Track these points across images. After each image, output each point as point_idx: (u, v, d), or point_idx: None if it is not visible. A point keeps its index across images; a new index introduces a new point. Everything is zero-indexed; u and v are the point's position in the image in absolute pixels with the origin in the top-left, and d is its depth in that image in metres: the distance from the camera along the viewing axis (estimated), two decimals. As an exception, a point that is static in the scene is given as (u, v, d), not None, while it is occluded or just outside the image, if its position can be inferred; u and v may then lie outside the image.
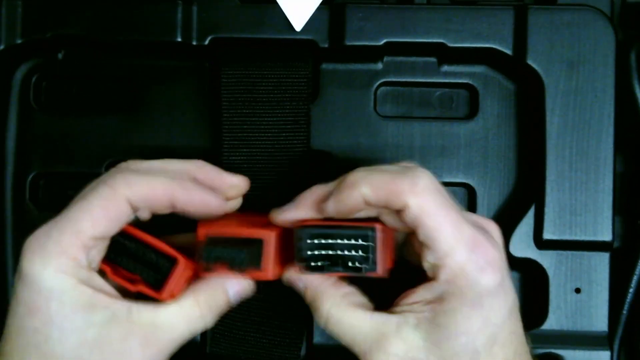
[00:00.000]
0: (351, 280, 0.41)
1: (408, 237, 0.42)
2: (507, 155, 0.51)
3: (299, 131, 0.47)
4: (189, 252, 0.41)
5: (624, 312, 0.49)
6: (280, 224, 0.41)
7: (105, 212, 0.38)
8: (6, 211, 0.51)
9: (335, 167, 0.50)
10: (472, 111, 0.51)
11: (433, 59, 0.51)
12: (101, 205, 0.38)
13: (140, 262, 0.40)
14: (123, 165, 0.41)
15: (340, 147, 0.50)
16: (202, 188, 0.41)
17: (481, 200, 0.50)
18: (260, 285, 0.47)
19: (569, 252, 0.49)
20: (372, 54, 0.50)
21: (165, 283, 0.39)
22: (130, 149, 0.50)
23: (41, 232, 0.38)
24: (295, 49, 0.48)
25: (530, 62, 0.48)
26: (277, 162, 0.47)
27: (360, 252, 0.39)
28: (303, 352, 0.50)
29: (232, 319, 0.48)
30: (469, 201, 0.51)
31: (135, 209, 0.39)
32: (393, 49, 0.49)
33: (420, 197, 0.37)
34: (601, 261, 0.49)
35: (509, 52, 0.49)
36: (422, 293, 0.39)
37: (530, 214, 0.49)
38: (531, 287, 0.50)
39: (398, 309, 0.40)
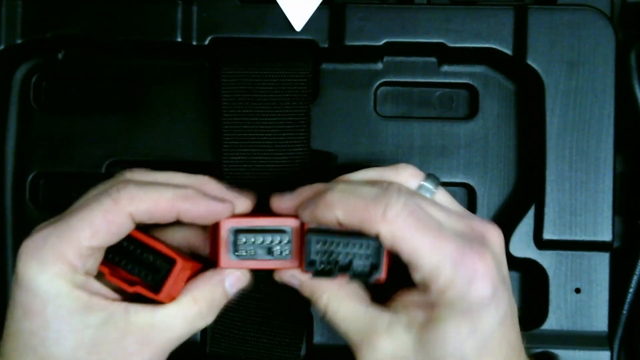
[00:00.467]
0: None
1: None
2: (507, 155, 0.51)
3: (299, 131, 0.47)
4: (188, 250, 0.41)
5: (624, 312, 0.49)
6: (276, 210, 0.42)
7: (106, 225, 0.38)
8: (6, 211, 0.51)
9: (335, 167, 0.50)
10: (472, 111, 0.51)
11: (433, 59, 0.51)
12: (103, 218, 0.38)
13: (138, 263, 0.40)
14: (128, 175, 0.41)
15: (340, 147, 0.50)
16: (206, 198, 0.41)
17: (481, 200, 0.51)
18: (261, 285, 0.47)
19: (569, 252, 0.49)
20: (372, 54, 0.50)
21: (164, 284, 0.40)
22: (130, 149, 0.50)
23: (39, 236, 0.38)
24: (295, 49, 0.48)
25: (530, 62, 0.48)
26: (278, 162, 0.47)
27: (367, 259, 0.40)
28: (303, 352, 0.50)
29: (232, 319, 0.48)
30: (469, 201, 0.51)
31: (138, 222, 0.39)
32: (393, 49, 0.49)
33: (391, 225, 0.37)
34: (601, 261, 0.49)
35: (509, 52, 0.49)
36: (415, 295, 0.40)
37: (530, 214, 0.49)
38: (531, 287, 0.50)
39: (392, 305, 0.40)
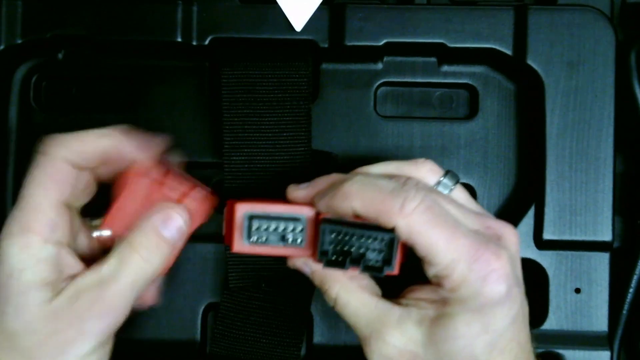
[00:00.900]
0: None
1: None
2: (507, 156, 0.51)
3: (299, 131, 0.47)
4: None
5: (624, 312, 0.49)
6: (292, 199, 0.42)
7: (50, 178, 0.40)
8: (7, 212, 0.50)
9: (336, 167, 0.50)
10: (472, 111, 0.51)
11: (433, 59, 0.51)
12: (44, 173, 0.40)
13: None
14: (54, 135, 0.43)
15: (340, 147, 0.50)
16: (130, 136, 0.42)
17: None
18: (262, 285, 0.47)
19: (569, 252, 0.49)
20: (372, 54, 0.50)
21: None
22: (130, 149, 0.50)
23: (12, 214, 0.40)
24: (295, 49, 0.48)
25: (530, 62, 0.48)
26: (278, 162, 0.47)
27: (381, 252, 0.39)
28: (303, 352, 0.50)
29: (232, 319, 0.48)
30: (469, 201, 0.51)
31: (78, 167, 0.41)
32: (393, 49, 0.49)
33: (409, 218, 0.38)
34: (601, 261, 0.49)
35: (509, 52, 0.49)
36: (428, 292, 0.40)
37: (530, 214, 0.49)
38: (531, 287, 0.50)
39: (403, 301, 0.40)
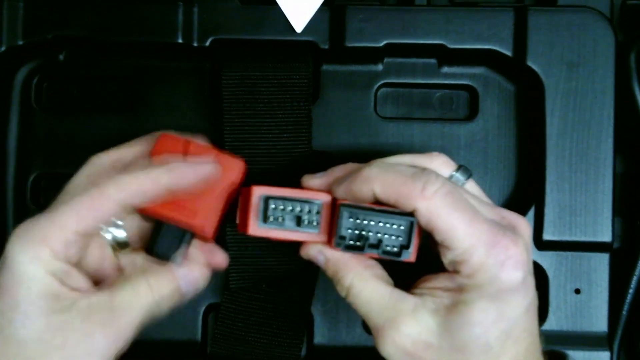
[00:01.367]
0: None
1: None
2: (507, 156, 0.51)
3: (300, 132, 0.47)
4: None
5: (624, 312, 0.49)
6: (308, 187, 0.42)
7: (91, 210, 0.39)
8: (7, 212, 0.51)
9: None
10: (472, 112, 0.51)
11: (433, 61, 0.51)
12: (87, 206, 0.39)
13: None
14: (95, 159, 0.42)
15: (340, 148, 0.50)
16: (190, 164, 0.41)
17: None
18: (262, 285, 0.47)
19: (569, 253, 0.49)
20: (373, 55, 0.50)
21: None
22: (131, 150, 0.50)
23: (30, 220, 0.39)
24: (295, 50, 0.48)
25: (530, 63, 0.48)
26: (279, 163, 0.47)
27: (399, 238, 0.40)
28: (303, 352, 0.50)
29: (232, 320, 0.48)
30: (469, 202, 0.51)
31: (130, 208, 0.40)
32: (393, 50, 0.49)
33: (429, 201, 0.38)
34: (601, 262, 0.49)
35: (509, 53, 0.49)
36: (443, 280, 0.40)
37: (530, 214, 0.49)
38: (531, 287, 0.50)
39: (417, 291, 0.40)
